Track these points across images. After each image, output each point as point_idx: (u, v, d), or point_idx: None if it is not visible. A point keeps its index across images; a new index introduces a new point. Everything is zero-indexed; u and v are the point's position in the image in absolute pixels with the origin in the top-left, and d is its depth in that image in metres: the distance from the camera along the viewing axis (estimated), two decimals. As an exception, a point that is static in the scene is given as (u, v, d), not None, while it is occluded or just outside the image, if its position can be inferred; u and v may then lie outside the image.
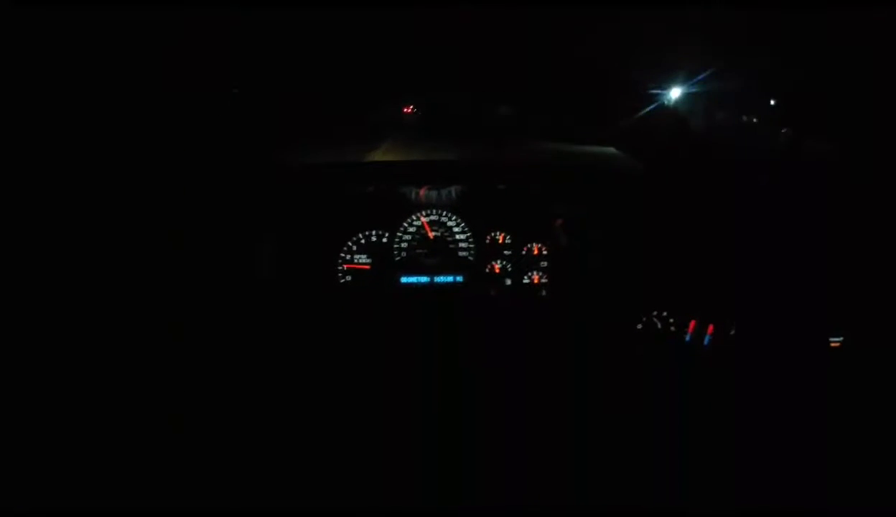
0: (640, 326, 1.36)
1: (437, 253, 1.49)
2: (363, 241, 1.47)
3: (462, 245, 1.51)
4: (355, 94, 1.72)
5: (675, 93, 1.52)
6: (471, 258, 1.51)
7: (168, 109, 1.29)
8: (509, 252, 1.51)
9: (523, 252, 1.51)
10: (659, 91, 1.52)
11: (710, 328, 1.32)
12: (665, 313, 1.35)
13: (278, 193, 1.41)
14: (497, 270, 1.51)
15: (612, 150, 1.65)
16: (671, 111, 1.56)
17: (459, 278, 1.50)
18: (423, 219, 1.49)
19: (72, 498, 0.92)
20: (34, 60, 0.99)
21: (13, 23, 0.93)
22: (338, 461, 1.10)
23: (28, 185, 1.04)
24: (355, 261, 1.47)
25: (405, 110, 2.09)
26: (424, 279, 1.49)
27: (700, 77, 1.44)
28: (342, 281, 1.47)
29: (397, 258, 1.49)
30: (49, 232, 1.07)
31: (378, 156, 1.67)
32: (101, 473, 0.97)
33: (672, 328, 1.35)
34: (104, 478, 0.97)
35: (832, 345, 1.35)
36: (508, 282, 1.52)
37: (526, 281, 1.52)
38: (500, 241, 1.51)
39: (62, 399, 1.03)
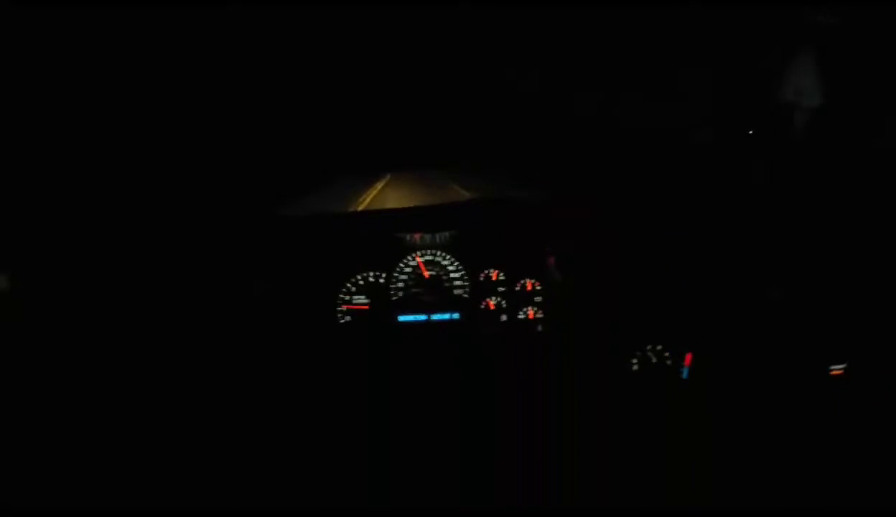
0: (634, 361, 1.37)
1: (433, 291, 1.53)
2: (361, 282, 1.52)
3: (457, 283, 1.55)
4: (349, 137, 1.79)
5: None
6: (466, 295, 1.54)
7: (164, 152, 1.35)
8: (503, 288, 1.54)
9: (517, 288, 1.54)
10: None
11: (707, 360, 1.32)
12: (660, 347, 1.36)
13: (275, 243, 1.47)
14: (492, 307, 1.54)
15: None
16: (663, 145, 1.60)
17: (456, 315, 1.53)
18: (418, 258, 1.54)
19: (72, 498, 0.95)
20: (34, 61, 1.01)
21: (13, 23, 0.95)
22: (332, 495, 1.12)
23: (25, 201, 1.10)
24: (354, 301, 1.52)
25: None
26: (422, 317, 1.53)
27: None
28: (342, 321, 1.51)
29: (394, 297, 1.53)
30: (46, 246, 1.13)
31: (374, 201, 1.74)
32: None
33: (668, 362, 1.35)
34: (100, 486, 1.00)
35: (833, 373, 1.34)
36: (504, 318, 1.54)
37: (521, 316, 1.54)
38: (494, 278, 1.54)
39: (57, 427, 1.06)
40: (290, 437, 1.25)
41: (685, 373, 1.34)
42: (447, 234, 1.53)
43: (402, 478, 1.21)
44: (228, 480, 1.15)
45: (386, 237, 1.53)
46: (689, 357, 1.34)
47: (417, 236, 1.53)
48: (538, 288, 1.54)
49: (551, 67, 1.48)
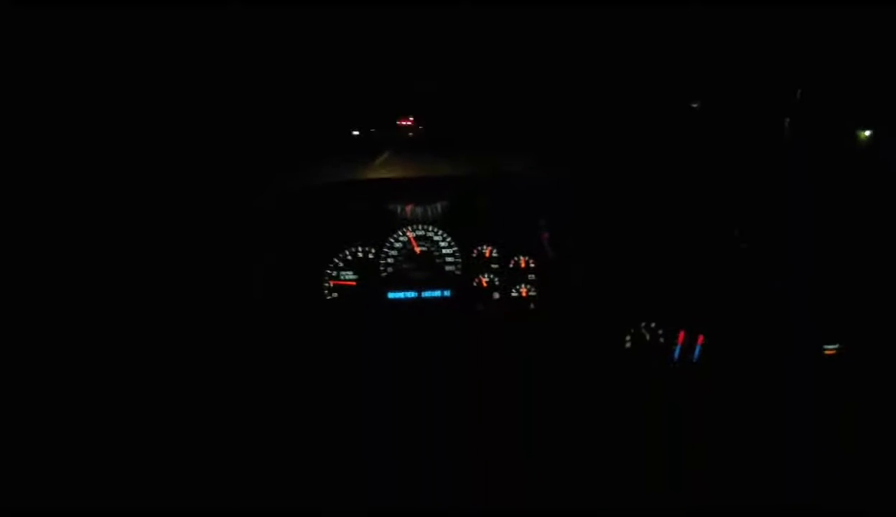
0: (628, 338, 1.35)
1: (423, 267, 1.49)
2: (349, 258, 1.47)
3: (449, 259, 1.51)
4: (348, 111, 1.74)
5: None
6: (458, 272, 1.50)
7: (161, 129, 1.30)
8: (496, 265, 1.51)
9: (510, 265, 1.50)
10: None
11: (700, 339, 1.30)
12: (653, 324, 1.33)
13: (265, 217, 1.42)
14: (484, 284, 1.50)
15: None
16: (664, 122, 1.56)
17: (447, 292, 1.49)
18: (409, 234, 1.49)
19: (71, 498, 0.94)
20: (34, 61, 1.00)
21: (13, 23, 0.94)
22: (324, 476, 1.10)
23: (26, 195, 1.06)
24: (342, 277, 1.47)
25: (400, 123, 2.09)
26: (412, 294, 1.49)
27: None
28: (329, 298, 1.46)
29: (384, 273, 1.48)
30: (46, 241, 1.08)
31: (373, 172, 1.69)
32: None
33: (661, 340, 1.33)
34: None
35: (827, 353, 1.33)
36: (496, 295, 1.51)
37: (514, 294, 1.51)
38: (487, 255, 1.50)
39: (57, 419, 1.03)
40: (277, 418, 1.21)
41: (677, 352, 1.32)
42: (439, 207, 1.48)
43: (392, 459, 1.19)
44: (215, 460, 1.11)
45: (376, 210, 1.48)
46: (681, 335, 1.32)
47: (409, 209, 1.48)
48: (531, 265, 1.50)
49: (546, 52, 1.43)
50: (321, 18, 1.22)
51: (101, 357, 1.12)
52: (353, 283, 1.47)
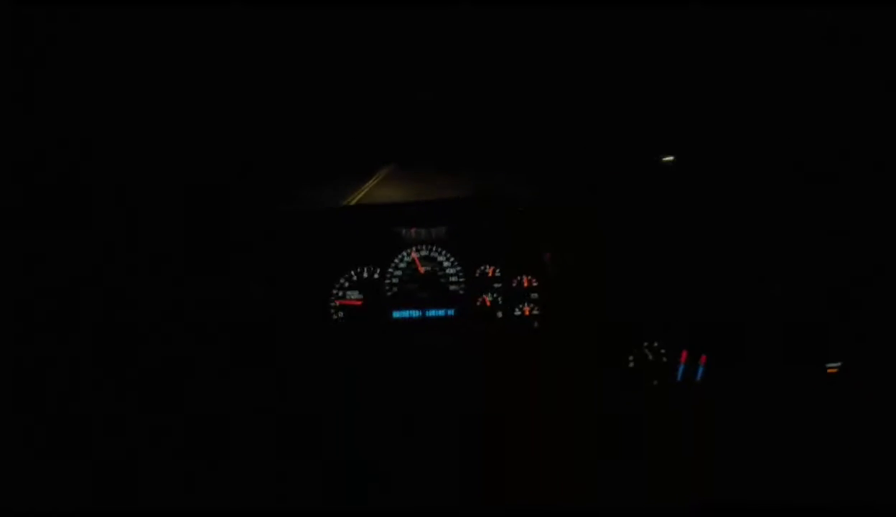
0: (631, 358, 1.36)
1: (428, 287, 1.51)
2: (355, 278, 1.50)
3: (452, 279, 1.53)
4: (347, 131, 1.77)
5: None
6: (461, 292, 1.52)
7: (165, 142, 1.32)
8: (499, 285, 1.52)
9: (513, 284, 1.52)
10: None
11: (703, 359, 1.31)
12: (656, 344, 1.35)
13: (270, 238, 1.45)
14: (488, 303, 1.52)
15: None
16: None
17: (451, 312, 1.51)
18: (413, 254, 1.51)
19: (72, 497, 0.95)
20: (34, 61, 1.00)
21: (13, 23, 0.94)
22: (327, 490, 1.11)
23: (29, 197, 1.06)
24: (347, 297, 1.49)
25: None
26: (416, 313, 1.50)
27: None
28: (335, 317, 1.48)
29: (389, 293, 1.51)
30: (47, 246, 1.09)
31: (368, 196, 1.72)
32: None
33: (664, 359, 1.34)
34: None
35: (829, 371, 1.34)
36: (500, 314, 1.52)
37: (517, 313, 1.52)
38: (490, 275, 1.52)
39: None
40: (283, 434, 1.23)
41: (680, 371, 1.33)
42: (443, 229, 1.51)
43: (395, 475, 1.20)
44: (220, 478, 1.13)
45: (380, 232, 1.51)
46: (684, 354, 1.33)
47: (413, 231, 1.51)
48: (534, 284, 1.52)
49: (551, 72, 1.46)
50: (326, 32, 1.25)
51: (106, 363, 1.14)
52: (359, 303, 1.49)
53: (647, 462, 1.18)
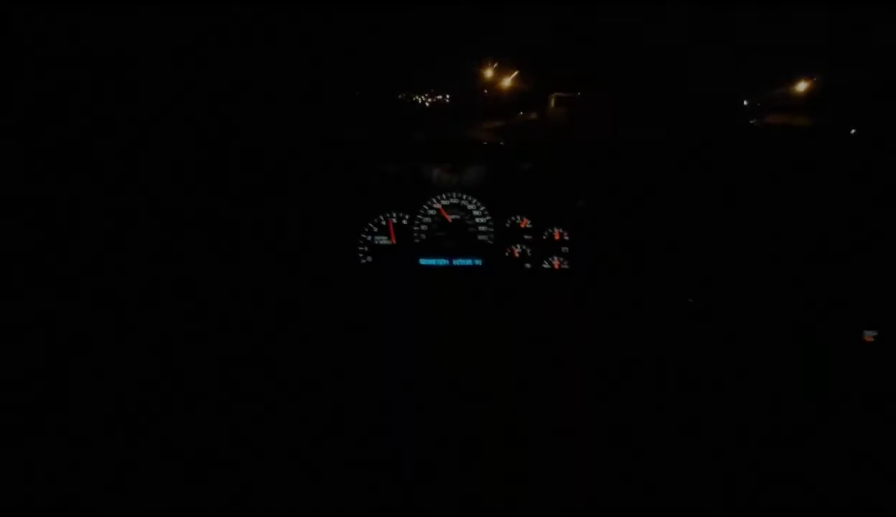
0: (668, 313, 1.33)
1: (456, 236, 1.50)
2: (384, 223, 1.49)
3: (482, 229, 1.51)
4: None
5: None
6: (490, 242, 1.50)
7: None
8: (529, 236, 1.50)
9: (544, 236, 1.49)
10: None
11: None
12: (692, 301, 1.32)
13: (311, 163, 1.42)
14: (517, 255, 1.50)
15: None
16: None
17: (478, 261, 1.50)
18: (439, 204, 1.49)
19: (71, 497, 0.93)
20: (34, 61, 0.99)
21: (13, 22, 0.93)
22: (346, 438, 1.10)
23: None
24: (376, 241, 1.49)
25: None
26: (443, 261, 1.50)
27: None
28: (363, 261, 1.49)
29: (417, 240, 1.50)
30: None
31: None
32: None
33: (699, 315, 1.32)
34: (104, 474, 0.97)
35: (867, 339, 1.30)
36: (528, 266, 1.50)
37: (546, 266, 1.50)
38: (523, 226, 1.49)
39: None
40: (308, 381, 1.21)
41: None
42: (474, 173, 1.47)
43: (417, 425, 1.17)
44: (241, 425, 1.10)
45: (411, 175, 1.48)
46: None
47: (444, 175, 1.47)
48: (566, 237, 1.49)
49: None
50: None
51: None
52: (388, 248, 1.49)
53: (682, 425, 1.16)
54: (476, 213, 1.50)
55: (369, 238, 1.48)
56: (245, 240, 1.35)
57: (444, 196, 1.49)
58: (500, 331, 1.33)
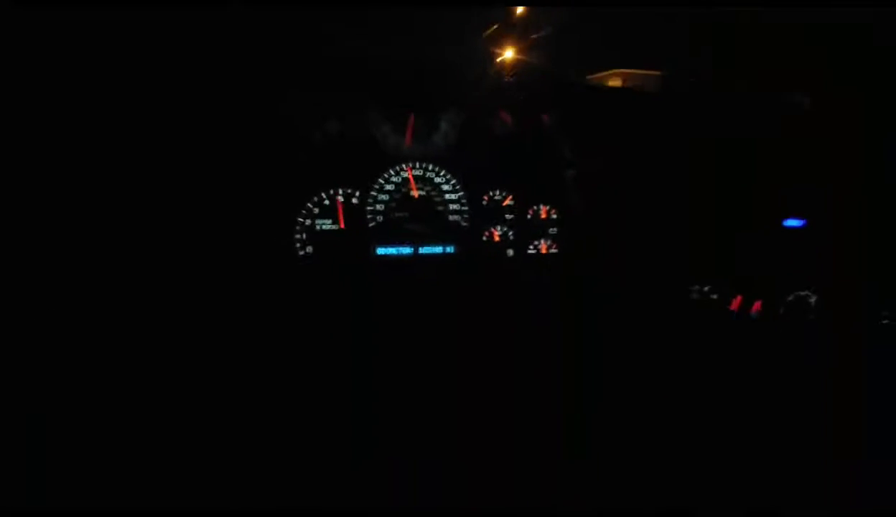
0: (675, 303, 1.15)
1: (421, 217, 1.20)
2: (327, 202, 1.14)
3: (453, 207, 1.24)
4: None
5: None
6: (464, 224, 1.23)
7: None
8: (512, 216, 1.26)
9: (528, 216, 1.27)
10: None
11: (758, 305, 1.12)
12: (706, 288, 1.13)
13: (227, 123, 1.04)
14: (497, 238, 1.24)
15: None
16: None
17: (450, 249, 1.22)
18: (409, 170, 1.18)
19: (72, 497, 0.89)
20: (34, 60, 0.95)
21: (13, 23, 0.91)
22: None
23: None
24: (317, 226, 1.14)
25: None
26: (406, 250, 1.20)
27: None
28: (301, 253, 1.14)
29: (372, 223, 1.17)
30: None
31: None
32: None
33: (716, 303, 1.14)
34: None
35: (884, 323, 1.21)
36: (511, 252, 1.26)
37: (532, 251, 1.27)
38: (504, 204, 1.25)
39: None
40: (250, 397, 0.98)
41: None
42: (444, 136, 1.17)
43: (381, 442, 0.99)
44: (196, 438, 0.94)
45: (361, 136, 1.14)
46: (738, 300, 1.13)
47: (408, 136, 1.16)
48: (554, 216, 1.26)
49: None
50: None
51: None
52: (333, 235, 1.15)
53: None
54: (446, 187, 1.23)
55: (308, 222, 1.13)
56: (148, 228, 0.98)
57: (405, 166, 1.18)
58: (479, 340, 1.10)
